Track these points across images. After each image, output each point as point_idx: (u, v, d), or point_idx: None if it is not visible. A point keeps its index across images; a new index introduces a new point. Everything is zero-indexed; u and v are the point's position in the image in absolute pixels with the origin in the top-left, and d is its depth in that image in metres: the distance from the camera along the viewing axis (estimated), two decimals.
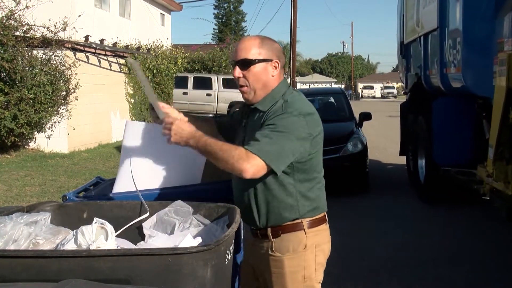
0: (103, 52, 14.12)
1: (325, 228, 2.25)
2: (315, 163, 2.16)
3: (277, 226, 2.15)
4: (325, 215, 2.25)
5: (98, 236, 1.76)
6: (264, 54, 2.13)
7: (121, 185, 2.53)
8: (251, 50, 2.12)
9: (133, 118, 15.94)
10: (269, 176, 2.08)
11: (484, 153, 5.43)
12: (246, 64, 2.12)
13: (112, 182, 2.64)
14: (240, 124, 2.32)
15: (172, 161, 2.54)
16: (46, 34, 10.84)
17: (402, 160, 8.94)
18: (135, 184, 2.30)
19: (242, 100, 2.28)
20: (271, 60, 2.14)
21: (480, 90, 5.53)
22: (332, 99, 10.07)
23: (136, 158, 2.56)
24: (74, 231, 1.79)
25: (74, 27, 11.19)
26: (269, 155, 1.97)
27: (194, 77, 21.16)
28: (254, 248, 2.22)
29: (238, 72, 2.14)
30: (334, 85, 56.65)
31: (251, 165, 1.95)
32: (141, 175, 2.51)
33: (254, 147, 1.97)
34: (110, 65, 14.73)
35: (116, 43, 15.25)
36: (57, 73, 11.15)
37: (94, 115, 13.38)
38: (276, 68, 2.16)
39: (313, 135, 2.10)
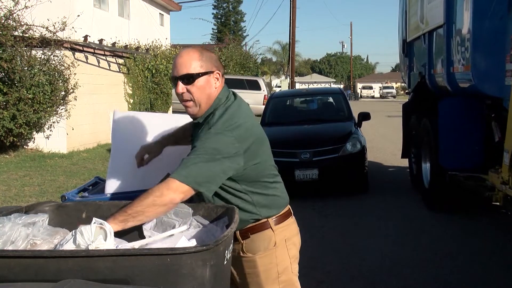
0: (102, 52, 14.11)
1: (291, 221, 2.28)
2: (260, 170, 2.15)
3: (243, 228, 2.18)
4: (289, 208, 2.29)
5: (97, 236, 1.76)
6: (205, 67, 2.09)
7: (113, 185, 2.52)
8: (192, 63, 2.07)
9: None
10: (219, 188, 2.07)
11: (495, 157, 5.25)
12: (189, 78, 2.07)
13: None
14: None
15: (168, 161, 2.53)
16: (45, 34, 10.82)
17: (402, 160, 8.93)
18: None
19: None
20: (212, 72, 2.11)
21: (491, 89, 5.25)
22: (331, 99, 10.07)
23: (129, 158, 2.55)
24: (73, 231, 1.79)
25: (73, 27, 11.18)
26: (197, 179, 1.94)
27: None
28: None
29: (181, 87, 2.08)
30: (333, 85, 56.69)
31: (173, 194, 1.91)
32: (134, 175, 2.51)
33: (181, 175, 1.93)
34: (109, 65, 14.72)
35: (115, 43, 15.24)
36: (56, 73, 11.13)
37: (93, 115, 13.37)
38: (218, 79, 2.13)
39: (244, 148, 2.05)
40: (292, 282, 2.26)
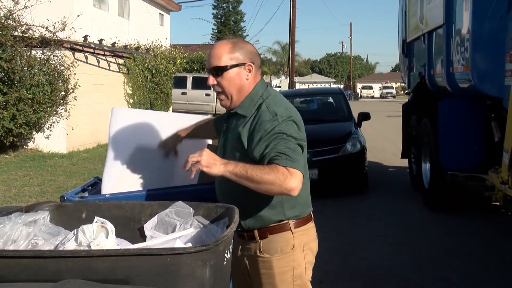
0: (102, 52, 14.12)
1: (311, 226, 2.27)
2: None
3: (263, 227, 2.15)
4: (310, 213, 2.27)
5: (99, 234, 1.76)
6: (236, 59, 2.10)
7: (110, 185, 2.50)
8: (223, 56, 2.09)
9: None
10: None
11: (495, 157, 5.24)
12: (218, 71, 2.10)
13: None
14: (221, 127, 2.32)
15: (168, 160, 2.53)
16: (45, 34, 10.83)
17: (402, 160, 8.93)
18: None
19: None
20: (243, 64, 2.12)
21: (491, 90, 5.26)
22: (331, 99, 10.07)
23: (127, 156, 2.52)
24: (75, 230, 1.80)
25: (73, 27, 11.19)
26: (299, 166, 1.95)
27: (193, 77, 21.18)
28: (242, 250, 2.23)
29: (212, 80, 2.12)
30: (333, 85, 56.69)
31: (298, 181, 1.91)
32: (133, 174, 2.49)
33: (290, 161, 1.93)
34: (109, 65, 14.72)
35: (115, 43, 15.24)
36: (56, 73, 11.14)
37: (93, 115, 13.37)
38: (250, 71, 2.13)
39: (303, 138, 2.11)
40: (306, 287, 2.23)
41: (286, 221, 2.16)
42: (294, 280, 2.17)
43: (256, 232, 2.16)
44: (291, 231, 2.16)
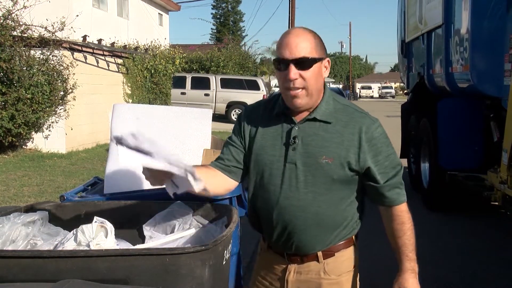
0: (101, 52, 14.10)
1: None
2: None
3: (332, 246, 1.87)
4: None
5: (98, 234, 1.76)
6: (319, 52, 1.75)
7: (112, 184, 2.49)
8: (310, 46, 1.72)
9: None
10: (348, 192, 1.93)
11: (494, 157, 5.25)
12: (306, 63, 1.71)
13: None
14: (250, 138, 1.86)
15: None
16: (44, 34, 10.82)
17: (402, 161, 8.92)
18: None
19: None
20: (323, 59, 1.78)
21: (490, 89, 5.26)
22: None
23: (129, 154, 2.51)
24: (74, 230, 1.79)
25: (71, 27, 11.18)
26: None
27: (192, 77, 21.19)
28: (290, 275, 1.89)
29: (294, 73, 1.71)
30: (332, 85, 56.66)
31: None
32: (136, 172, 2.48)
33: (405, 195, 1.96)
34: (108, 65, 14.70)
35: (114, 43, 15.23)
36: (55, 73, 11.12)
37: (92, 115, 13.36)
38: (327, 68, 1.80)
39: None
40: None
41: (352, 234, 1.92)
42: None
43: (320, 252, 1.86)
44: (355, 245, 1.95)
